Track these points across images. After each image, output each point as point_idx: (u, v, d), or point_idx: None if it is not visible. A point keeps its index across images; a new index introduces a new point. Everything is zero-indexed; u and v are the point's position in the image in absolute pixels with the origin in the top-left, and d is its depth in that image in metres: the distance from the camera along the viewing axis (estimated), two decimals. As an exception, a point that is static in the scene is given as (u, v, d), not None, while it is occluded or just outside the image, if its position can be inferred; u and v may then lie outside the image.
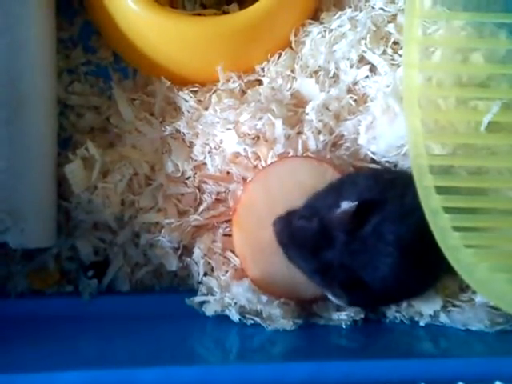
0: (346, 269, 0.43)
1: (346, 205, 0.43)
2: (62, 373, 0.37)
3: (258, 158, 0.52)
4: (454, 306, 0.49)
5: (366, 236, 0.43)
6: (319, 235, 0.44)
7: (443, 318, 0.48)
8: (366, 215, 0.43)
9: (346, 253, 0.43)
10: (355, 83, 0.53)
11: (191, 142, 0.53)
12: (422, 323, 0.49)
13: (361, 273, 0.43)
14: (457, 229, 0.40)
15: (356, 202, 0.43)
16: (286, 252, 0.46)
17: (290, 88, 0.54)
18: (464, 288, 0.49)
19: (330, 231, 0.43)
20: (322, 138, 0.51)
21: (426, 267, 0.45)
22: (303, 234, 0.44)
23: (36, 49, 0.49)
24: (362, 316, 0.48)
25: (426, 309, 0.48)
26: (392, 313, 0.49)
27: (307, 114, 0.52)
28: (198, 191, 0.52)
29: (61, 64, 0.56)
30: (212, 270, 0.51)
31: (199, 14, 0.57)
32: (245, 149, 0.51)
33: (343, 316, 0.48)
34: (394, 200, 0.44)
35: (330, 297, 0.44)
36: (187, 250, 0.52)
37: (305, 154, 0.51)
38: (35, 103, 0.48)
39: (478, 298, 0.48)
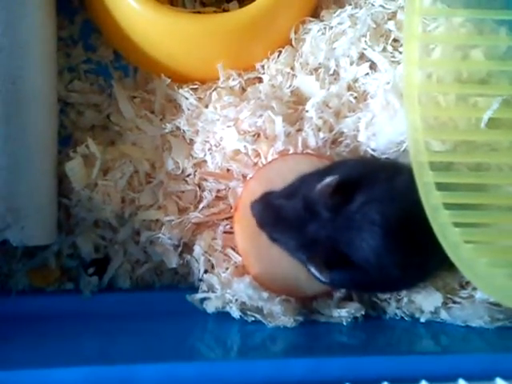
0: (330, 244, 0.43)
1: (328, 179, 0.43)
2: (63, 369, 0.37)
3: (258, 155, 0.52)
4: (454, 302, 0.49)
5: (350, 213, 0.43)
6: (301, 211, 0.43)
7: (443, 315, 0.48)
8: (349, 192, 0.43)
9: (329, 228, 0.43)
10: (355, 80, 0.53)
11: (191, 140, 0.54)
12: (422, 320, 0.49)
13: (345, 249, 0.43)
14: (457, 225, 0.40)
15: (337, 176, 0.43)
16: (267, 232, 0.46)
17: (290, 85, 0.54)
18: (464, 285, 0.49)
19: (312, 206, 0.43)
20: (321, 135, 0.51)
21: (413, 256, 0.44)
22: (284, 210, 0.44)
23: (37, 47, 0.49)
24: (363, 313, 0.48)
25: (427, 305, 0.48)
26: (392, 309, 0.49)
27: (307, 111, 0.52)
28: (198, 188, 0.52)
29: (61, 62, 0.56)
30: (212, 267, 0.51)
31: (199, 12, 0.57)
32: (245, 146, 0.51)
33: (344, 313, 0.48)
34: (379, 182, 0.44)
35: (313, 272, 0.43)
36: (187, 248, 0.52)
37: (305, 151, 0.51)
38: (36, 101, 0.48)
39: (478, 295, 0.48)
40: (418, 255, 0.44)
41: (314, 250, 0.43)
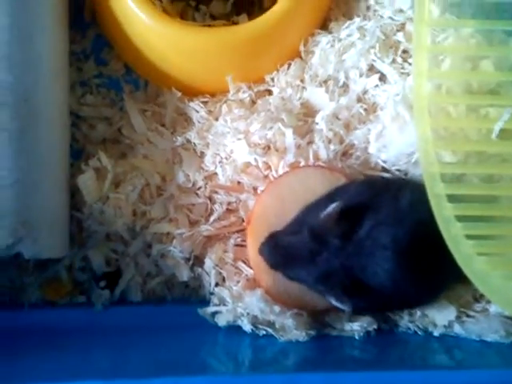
0: (345, 273, 0.42)
1: (330, 207, 0.42)
2: (75, 383, 0.37)
3: (268, 167, 0.52)
4: (468, 316, 0.48)
5: (360, 239, 0.42)
6: (311, 244, 0.43)
7: (457, 329, 0.48)
8: (355, 218, 0.42)
9: (342, 257, 0.42)
10: (365, 92, 0.53)
11: (202, 153, 0.54)
12: (435, 334, 0.48)
13: (361, 276, 0.42)
14: (469, 237, 0.40)
15: (339, 202, 0.42)
16: (282, 271, 0.46)
17: (300, 97, 0.54)
18: (478, 298, 0.49)
19: (320, 237, 0.43)
20: (332, 147, 0.51)
21: (427, 273, 0.44)
22: (293, 248, 0.44)
23: (49, 62, 0.50)
24: (375, 327, 0.48)
25: (440, 319, 0.47)
26: (405, 323, 0.49)
27: (317, 123, 0.52)
28: (209, 201, 0.53)
29: (73, 76, 0.56)
30: (224, 280, 0.51)
31: (209, 26, 0.57)
32: (255, 159, 0.51)
33: (356, 327, 0.48)
34: (385, 203, 0.43)
35: (334, 303, 0.43)
36: (199, 261, 0.52)
37: (316, 164, 0.51)
38: (48, 115, 0.49)
39: (493, 308, 0.47)
40: (433, 270, 0.44)
41: (331, 280, 0.43)
